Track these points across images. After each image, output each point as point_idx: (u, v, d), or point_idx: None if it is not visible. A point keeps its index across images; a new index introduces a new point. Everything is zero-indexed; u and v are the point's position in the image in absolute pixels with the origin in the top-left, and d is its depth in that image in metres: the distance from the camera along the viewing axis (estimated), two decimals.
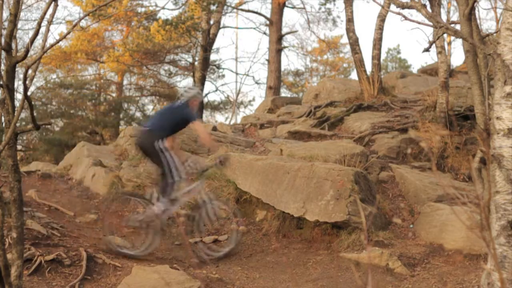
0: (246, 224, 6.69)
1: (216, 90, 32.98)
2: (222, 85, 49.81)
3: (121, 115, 21.73)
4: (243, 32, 31.44)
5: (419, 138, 7.81)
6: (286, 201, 6.32)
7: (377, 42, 11.13)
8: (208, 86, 56.89)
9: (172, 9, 19.01)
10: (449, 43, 18.34)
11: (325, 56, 27.80)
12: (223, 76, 30.38)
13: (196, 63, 17.89)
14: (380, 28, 11.13)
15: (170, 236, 6.51)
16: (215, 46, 19.13)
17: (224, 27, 19.20)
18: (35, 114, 3.50)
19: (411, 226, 6.35)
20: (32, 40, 3.13)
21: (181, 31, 16.35)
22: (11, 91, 3.10)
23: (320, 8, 19.18)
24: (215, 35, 17.99)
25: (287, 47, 20.10)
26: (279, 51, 17.48)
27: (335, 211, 5.90)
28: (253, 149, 8.96)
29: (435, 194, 6.70)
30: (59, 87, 20.65)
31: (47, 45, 3.37)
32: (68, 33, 3.60)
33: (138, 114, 22.80)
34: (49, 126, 19.09)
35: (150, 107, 24.04)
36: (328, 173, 6.20)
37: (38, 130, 3.88)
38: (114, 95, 22.68)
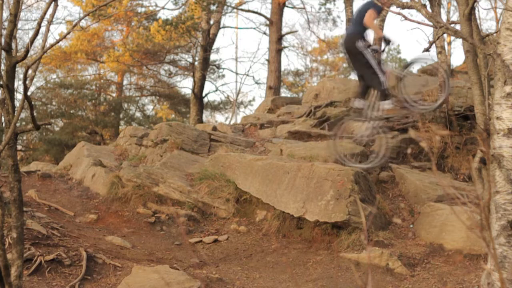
0: (246, 224, 6.69)
1: (216, 90, 33.02)
2: (222, 85, 49.87)
3: (121, 115, 21.72)
4: (243, 32, 31.39)
5: (419, 138, 7.80)
6: (286, 201, 6.32)
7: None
8: (208, 86, 57.00)
9: (172, 9, 19.04)
10: (449, 43, 18.33)
11: (325, 56, 27.79)
12: (223, 76, 30.40)
13: (196, 63, 17.89)
14: (380, 28, 11.12)
15: (170, 236, 6.51)
16: (215, 46, 19.16)
17: (224, 27, 19.20)
18: (35, 114, 3.50)
19: (411, 226, 6.34)
20: (32, 40, 3.14)
21: (181, 31, 16.35)
22: (11, 91, 3.10)
23: (320, 8, 19.15)
24: (215, 35, 17.99)
25: (287, 47, 20.09)
26: (279, 51, 17.44)
27: (335, 211, 5.90)
28: (253, 149, 8.95)
29: (435, 194, 6.69)
30: (59, 87, 20.64)
31: (47, 45, 3.38)
32: (68, 33, 3.60)
33: (138, 114, 22.82)
34: (49, 126, 19.08)
35: (150, 107, 24.06)
36: (328, 173, 6.19)
37: (38, 130, 3.88)
38: (114, 95, 22.67)
